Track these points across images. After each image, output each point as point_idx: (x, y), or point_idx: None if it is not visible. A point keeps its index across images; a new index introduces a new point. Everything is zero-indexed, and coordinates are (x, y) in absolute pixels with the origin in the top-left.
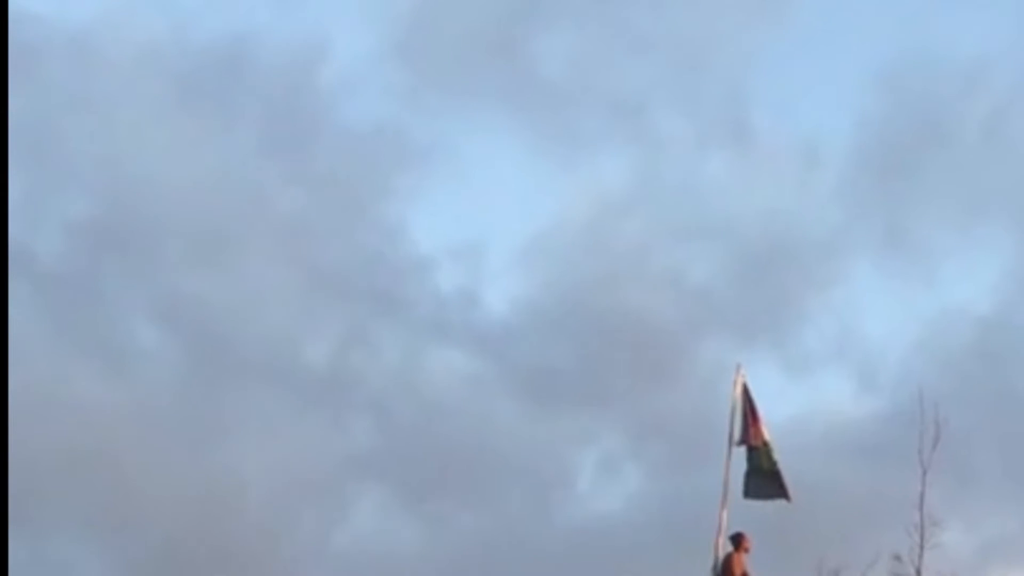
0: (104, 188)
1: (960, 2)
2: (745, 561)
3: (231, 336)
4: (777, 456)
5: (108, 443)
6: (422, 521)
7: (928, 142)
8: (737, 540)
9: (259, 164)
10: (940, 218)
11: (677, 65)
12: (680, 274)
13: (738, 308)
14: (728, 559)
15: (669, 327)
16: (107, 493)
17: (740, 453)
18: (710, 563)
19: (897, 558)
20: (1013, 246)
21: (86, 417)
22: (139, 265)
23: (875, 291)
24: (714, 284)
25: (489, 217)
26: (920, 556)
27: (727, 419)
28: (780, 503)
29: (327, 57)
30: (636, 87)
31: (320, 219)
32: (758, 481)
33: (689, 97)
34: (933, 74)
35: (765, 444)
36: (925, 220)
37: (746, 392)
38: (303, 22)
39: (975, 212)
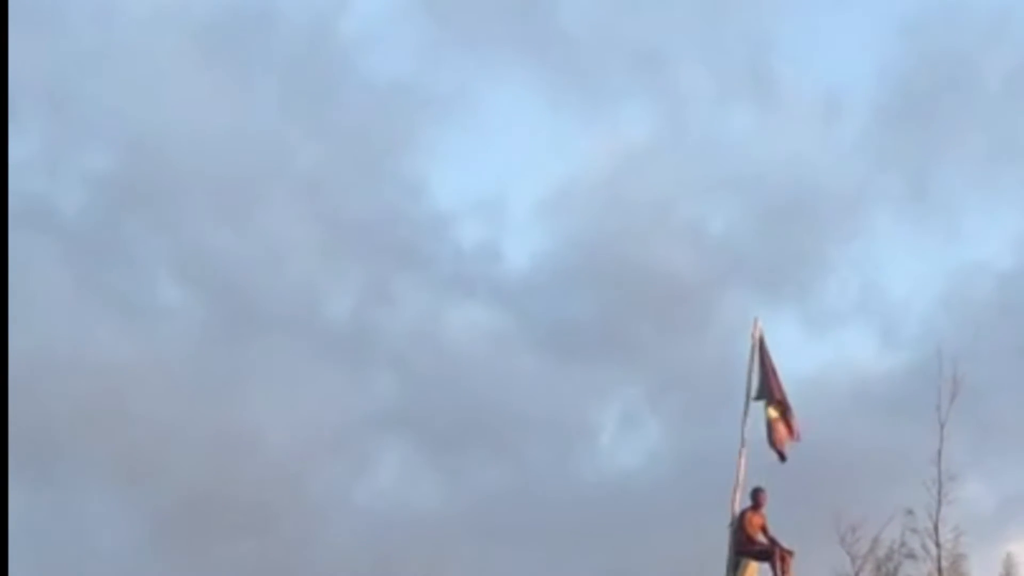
0: (125, 143)
1: None
2: (763, 516)
3: (253, 291)
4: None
5: (130, 398)
6: (443, 475)
7: (950, 94)
8: (755, 495)
9: (280, 119)
10: (962, 172)
11: (699, 17)
12: (701, 227)
13: (760, 261)
14: (742, 516)
15: (690, 281)
16: (130, 447)
17: (757, 408)
18: (727, 518)
19: (910, 512)
20: None
21: (108, 372)
22: (160, 220)
23: (897, 245)
24: (736, 237)
25: (510, 171)
26: (937, 511)
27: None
28: (792, 453)
29: (347, 11)
30: (658, 40)
31: (341, 174)
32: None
33: (711, 49)
34: (955, 26)
35: (782, 399)
36: (947, 173)
37: (763, 347)
38: None
39: (997, 166)
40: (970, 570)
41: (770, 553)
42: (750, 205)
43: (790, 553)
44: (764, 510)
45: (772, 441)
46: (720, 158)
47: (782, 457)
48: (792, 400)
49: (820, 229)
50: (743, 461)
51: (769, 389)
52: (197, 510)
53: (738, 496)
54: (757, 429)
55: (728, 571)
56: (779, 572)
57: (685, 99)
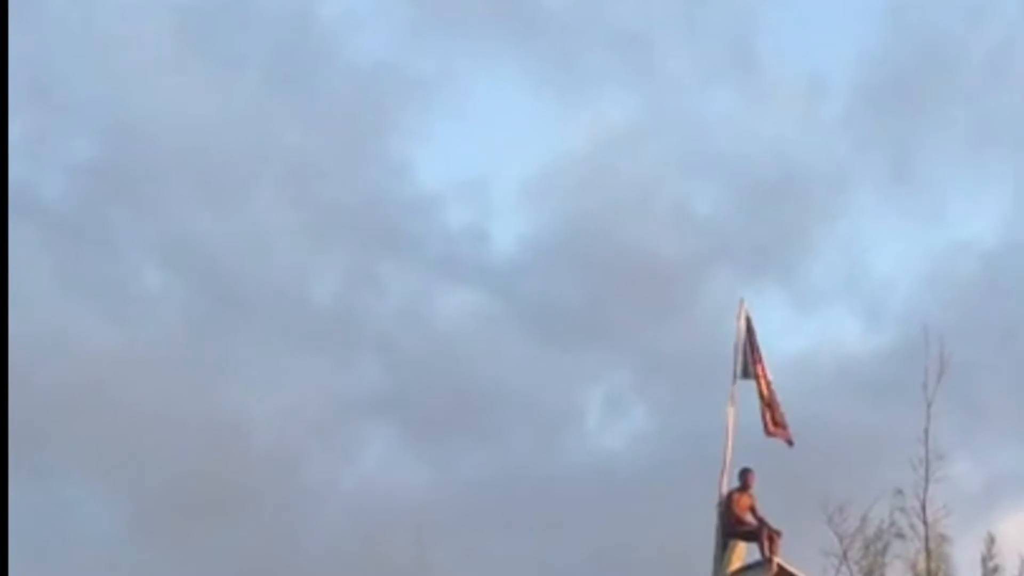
0: (107, 128)
1: None
2: (752, 496)
3: (237, 276)
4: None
5: (114, 385)
6: (430, 459)
7: (934, 75)
8: (743, 476)
9: (263, 103)
10: (946, 152)
11: None
12: (686, 208)
13: (744, 242)
14: (729, 497)
15: (675, 262)
16: (113, 435)
17: (744, 388)
18: (715, 500)
19: (899, 492)
20: (1019, 179)
21: (91, 359)
22: (143, 205)
23: (882, 225)
24: (720, 218)
25: (494, 153)
26: (925, 490)
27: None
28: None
29: None
30: (641, 20)
31: (325, 157)
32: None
33: (694, 31)
34: (938, 6)
35: (768, 382)
36: (931, 153)
37: (749, 327)
38: None
39: (981, 145)
40: (956, 549)
41: (758, 533)
42: (734, 186)
43: (778, 533)
44: (752, 491)
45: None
46: (704, 139)
47: (789, 441)
48: (779, 380)
49: (805, 210)
50: (730, 442)
51: (755, 368)
52: (182, 497)
53: (725, 477)
54: (743, 410)
55: (716, 552)
56: (767, 552)
57: (668, 80)
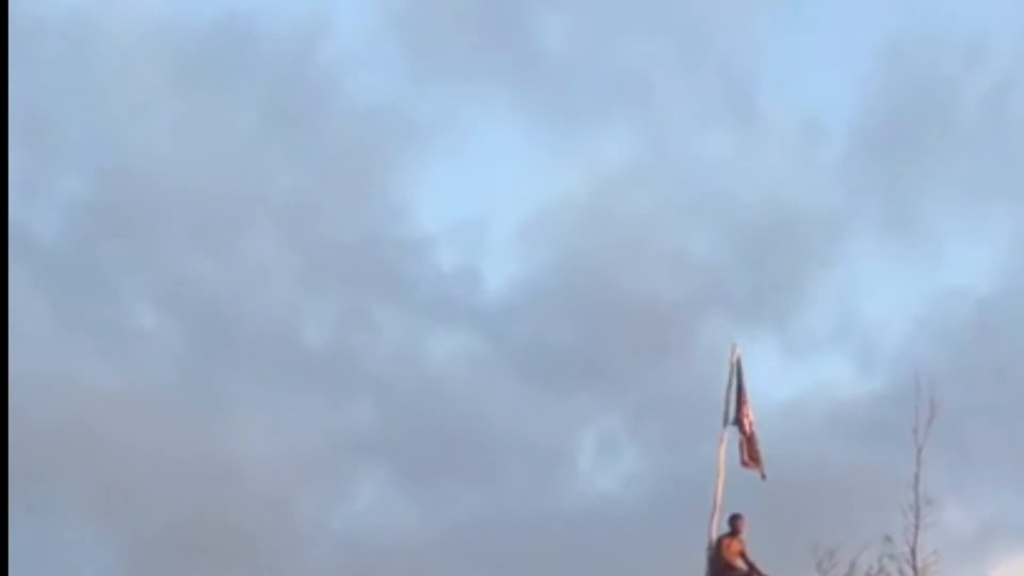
0: (103, 169)
1: None
2: (742, 542)
3: (232, 316)
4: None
5: (110, 425)
6: (422, 501)
7: (931, 120)
8: (733, 522)
9: (260, 143)
10: (942, 197)
11: (680, 41)
12: (681, 252)
13: (740, 287)
14: (719, 542)
15: (670, 305)
16: (109, 475)
17: (734, 433)
18: (704, 543)
19: (888, 539)
20: (1014, 225)
21: (87, 399)
22: (139, 246)
23: (877, 270)
24: (716, 262)
25: (490, 195)
26: (915, 535)
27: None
28: (770, 479)
29: (327, 35)
30: (639, 63)
31: (321, 199)
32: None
33: (692, 73)
34: (935, 51)
35: (750, 423)
36: (927, 199)
37: (739, 372)
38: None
39: (977, 191)
40: None
41: None
42: (730, 230)
43: None
44: (743, 536)
45: (742, 461)
46: (700, 183)
47: (762, 474)
48: (771, 424)
49: (800, 254)
50: (720, 486)
51: (738, 416)
52: (176, 538)
53: (715, 521)
54: (734, 454)
55: None
56: None
57: (665, 123)
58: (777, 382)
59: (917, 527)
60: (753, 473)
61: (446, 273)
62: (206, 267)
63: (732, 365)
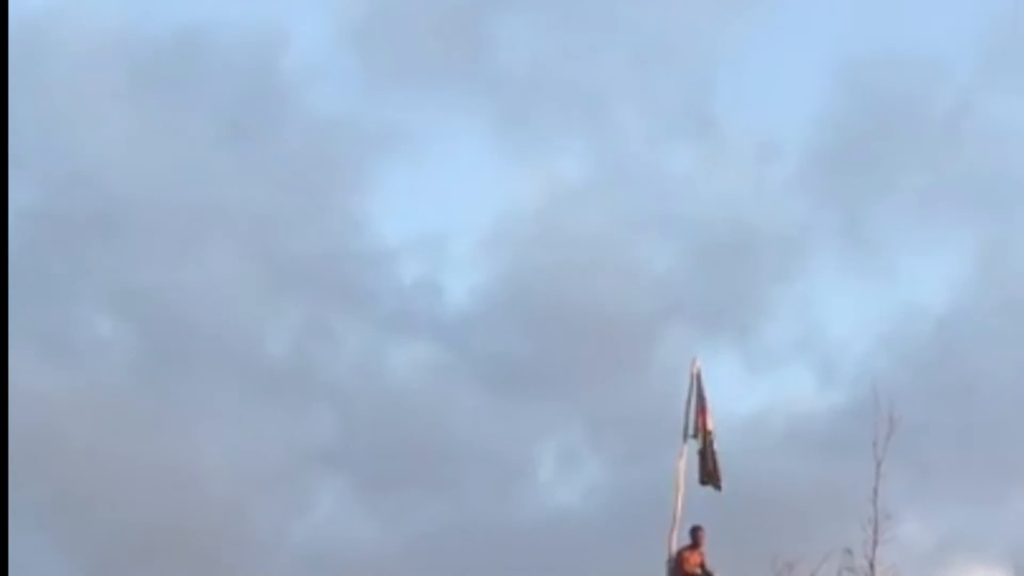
0: (62, 178)
1: None
2: (702, 554)
3: (191, 327)
4: (717, 447)
5: (67, 435)
6: (383, 512)
7: (888, 137)
8: (693, 534)
9: (218, 154)
10: (900, 213)
11: (638, 56)
12: (641, 265)
13: (699, 300)
14: (680, 554)
15: (630, 318)
16: (66, 484)
17: (694, 445)
18: (664, 556)
19: (848, 552)
20: (972, 243)
21: (43, 408)
22: (97, 256)
23: (835, 285)
24: (675, 276)
25: (450, 207)
26: (873, 549)
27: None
28: (729, 492)
29: (287, 46)
30: (597, 78)
31: (280, 210)
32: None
33: (650, 89)
34: (893, 69)
35: (708, 433)
36: (885, 216)
37: (699, 385)
38: (262, 10)
39: (935, 209)
40: None
41: None
42: (688, 244)
43: None
44: (703, 548)
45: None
46: (658, 197)
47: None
48: (731, 438)
49: (759, 269)
50: (680, 498)
51: (697, 427)
52: (133, 548)
53: (675, 533)
54: (694, 467)
55: None
56: None
57: (622, 138)
58: (738, 396)
59: (876, 541)
60: (711, 488)
61: (406, 285)
62: (164, 277)
63: (692, 378)
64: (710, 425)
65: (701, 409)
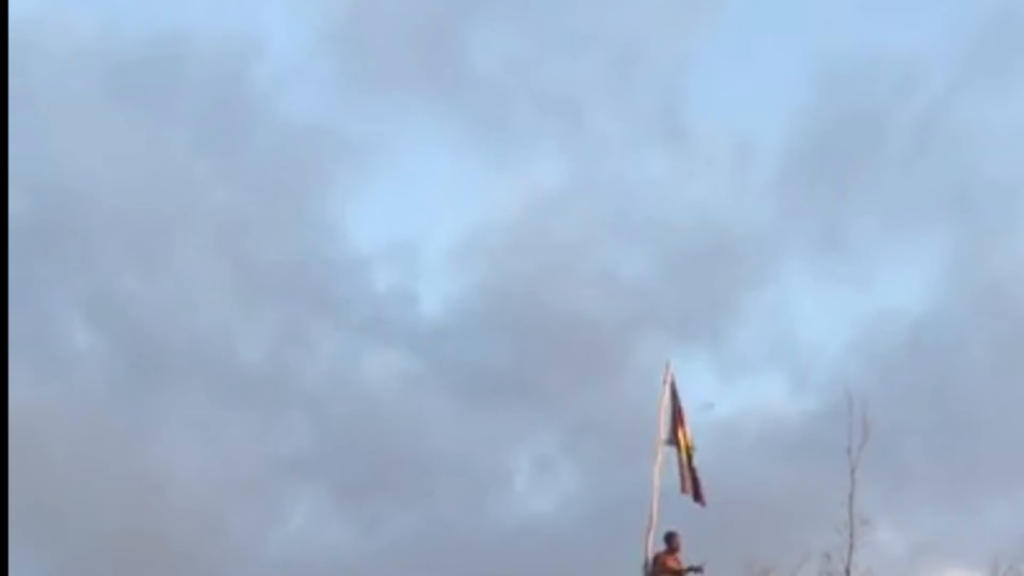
0: (34, 186)
1: (894, 1)
2: (679, 560)
3: (164, 334)
4: (696, 462)
5: (39, 442)
6: (357, 520)
7: (862, 142)
8: (669, 539)
9: (193, 161)
10: (873, 218)
11: (612, 63)
12: (615, 272)
13: (673, 306)
14: (656, 559)
15: (604, 325)
16: (40, 492)
17: (669, 451)
18: (640, 561)
19: (827, 556)
20: (946, 248)
21: (17, 416)
22: (69, 263)
23: (809, 291)
24: (649, 282)
25: (424, 215)
26: (849, 554)
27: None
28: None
29: (261, 53)
30: (571, 85)
31: (255, 217)
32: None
33: (623, 95)
34: (867, 73)
35: (688, 448)
36: (859, 220)
37: (674, 390)
38: (237, 18)
39: (908, 213)
40: None
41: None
42: (663, 251)
43: (700, 570)
44: (679, 554)
45: (682, 487)
46: (632, 204)
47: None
48: (705, 444)
49: (733, 275)
50: (655, 504)
51: (674, 435)
52: (107, 555)
53: (651, 539)
54: (670, 473)
55: None
56: None
57: (597, 145)
58: (711, 401)
59: (851, 546)
60: (692, 500)
61: (380, 292)
62: (138, 284)
63: (666, 383)
64: (689, 437)
65: (679, 419)
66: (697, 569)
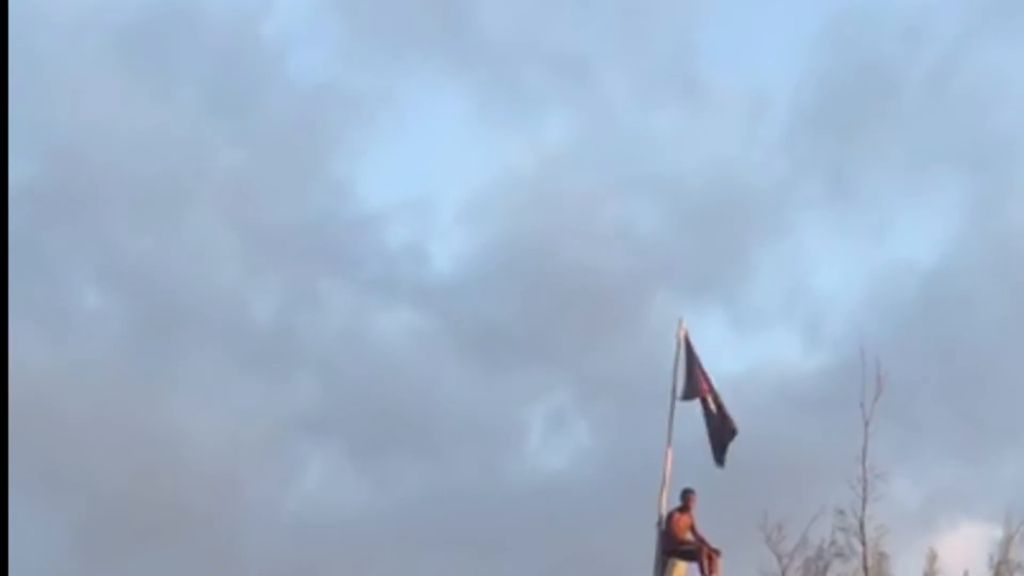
0: (46, 148)
1: None
2: (692, 517)
3: (177, 296)
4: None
5: (54, 404)
6: (370, 479)
7: (874, 94)
8: (683, 497)
9: (202, 122)
10: (886, 171)
11: (622, 19)
12: (627, 228)
13: (686, 262)
14: (671, 516)
15: (617, 281)
16: (54, 454)
17: (683, 408)
18: (655, 518)
19: (841, 512)
20: (958, 199)
21: (29, 379)
22: (82, 227)
23: (822, 244)
24: (662, 238)
25: (435, 173)
26: (863, 508)
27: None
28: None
29: (270, 14)
30: (581, 41)
31: (265, 177)
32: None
33: (635, 51)
34: (877, 26)
35: (715, 393)
36: (871, 173)
37: (688, 345)
38: None
39: (922, 165)
40: (895, 567)
41: (697, 553)
42: (675, 205)
43: (717, 552)
44: (693, 511)
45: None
46: (644, 159)
47: (721, 458)
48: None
49: (746, 229)
50: (669, 461)
51: (698, 385)
52: (122, 517)
53: (665, 496)
54: (683, 429)
55: (656, 571)
56: (706, 571)
57: (609, 101)
58: (726, 356)
59: (865, 500)
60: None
61: (392, 250)
62: (149, 246)
63: (679, 340)
64: (713, 385)
65: (700, 371)
66: (714, 551)
